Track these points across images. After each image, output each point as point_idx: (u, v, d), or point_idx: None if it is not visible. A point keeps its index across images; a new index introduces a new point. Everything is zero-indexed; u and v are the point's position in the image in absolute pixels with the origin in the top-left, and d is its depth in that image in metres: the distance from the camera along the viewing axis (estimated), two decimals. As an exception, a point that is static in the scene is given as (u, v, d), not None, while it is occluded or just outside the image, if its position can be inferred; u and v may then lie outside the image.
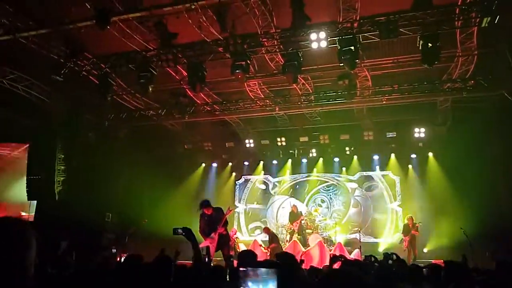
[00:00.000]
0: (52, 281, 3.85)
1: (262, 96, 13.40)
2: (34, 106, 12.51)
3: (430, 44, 8.97)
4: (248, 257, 3.99)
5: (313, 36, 9.38)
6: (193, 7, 8.98)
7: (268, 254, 12.02)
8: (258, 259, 4.87)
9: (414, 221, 12.72)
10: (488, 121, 12.21)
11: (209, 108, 13.98)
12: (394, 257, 6.10)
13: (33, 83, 12.30)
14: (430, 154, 15.03)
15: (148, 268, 3.48)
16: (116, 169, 14.04)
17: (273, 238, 12.50)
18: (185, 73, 11.64)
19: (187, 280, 3.60)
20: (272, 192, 17.16)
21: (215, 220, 8.97)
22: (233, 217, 16.28)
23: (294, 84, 11.97)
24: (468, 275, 4.17)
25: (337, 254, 9.86)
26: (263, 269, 2.33)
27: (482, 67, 11.15)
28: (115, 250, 12.28)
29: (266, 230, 13.01)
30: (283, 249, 11.77)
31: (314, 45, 9.47)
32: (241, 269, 2.23)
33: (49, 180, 12.74)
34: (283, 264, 3.12)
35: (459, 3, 8.85)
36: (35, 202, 12.98)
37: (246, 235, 16.65)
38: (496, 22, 8.42)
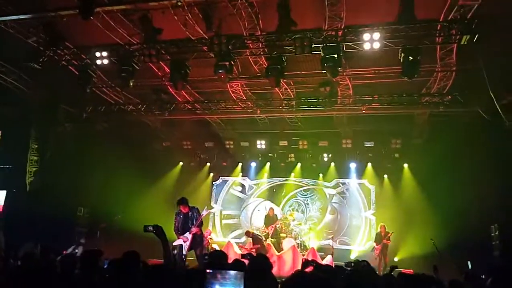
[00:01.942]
0: (14, 273, 3.73)
1: (244, 98, 13.38)
2: (10, 93, 12.15)
3: (411, 58, 9.12)
4: (219, 258, 3.94)
5: (297, 41, 9.41)
6: (179, 3, 8.89)
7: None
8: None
9: (386, 230, 12.89)
10: (463, 136, 12.48)
11: (190, 107, 13.87)
12: (365, 263, 6.14)
13: (9, 70, 11.93)
14: (405, 165, 15.28)
15: (115, 264, 3.39)
16: (91, 163, 13.77)
17: (255, 239, 12.59)
18: (167, 70, 11.52)
19: (153, 279, 3.53)
20: (248, 194, 17.14)
21: (191, 219, 8.94)
22: (208, 217, 16.18)
23: (276, 88, 11.98)
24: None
25: (310, 259, 9.90)
26: (231, 272, 2.28)
27: (459, 84, 11.41)
28: (83, 241, 12.02)
29: (248, 233, 13.11)
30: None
31: (298, 51, 9.50)
32: (208, 271, 2.17)
33: (21, 170, 12.37)
34: (253, 266, 3.09)
35: (441, 20, 9.04)
36: (4, 192, 12.58)
37: (220, 236, 16.56)
38: (475, 40, 8.64)
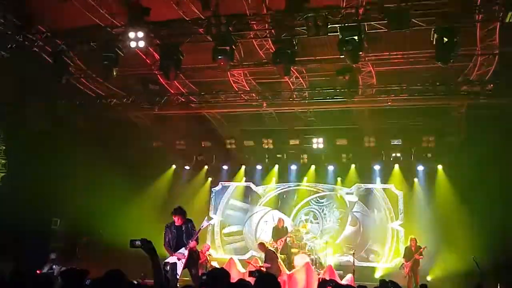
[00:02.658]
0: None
1: (248, 89, 13.38)
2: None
3: (446, 39, 9.04)
4: (219, 277, 3.95)
5: (311, 21, 9.37)
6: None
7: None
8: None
9: (417, 244, 12.83)
10: (508, 133, 12.40)
11: (184, 100, 13.87)
12: (390, 285, 6.10)
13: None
14: (440, 167, 15.24)
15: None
16: (69, 167, 13.80)
17: (268, 256, 12.12)
18: (157, 57, 11.53)
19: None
20: (253, 202, 17.18)
21: (186, 233, 8.94)
22: (206, 230, 16.21)
23: (286, 77, 11.97)
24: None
25: (327, 278, 9.89)
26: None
27: (503, 69, 11.31)
28: (55, 267, 12.04)
29: (261, 247, 12.54)
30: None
31: (312, 32, 9.46)
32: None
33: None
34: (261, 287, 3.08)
35: (481, -7, 8.98)
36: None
37: (221, 252, 16.60)
38: (522, 17, 8.56)
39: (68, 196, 13.87)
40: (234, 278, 5.31)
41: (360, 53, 9.70)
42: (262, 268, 11.89)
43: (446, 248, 13.66)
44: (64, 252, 13.23)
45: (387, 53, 11.43)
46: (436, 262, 13.92)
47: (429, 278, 13.75)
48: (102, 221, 14.03)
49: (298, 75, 12.66)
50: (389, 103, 12.74)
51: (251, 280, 5.26)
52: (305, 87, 13.12)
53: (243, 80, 13.10)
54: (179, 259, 8.80)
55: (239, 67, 12.35)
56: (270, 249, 12.61)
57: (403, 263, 12.95)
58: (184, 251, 8.83)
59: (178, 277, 8.80)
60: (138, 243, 3.88)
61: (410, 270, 12.61)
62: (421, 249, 12.68)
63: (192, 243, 8.82)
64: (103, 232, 13.70)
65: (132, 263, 10.66)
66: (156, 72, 12.35)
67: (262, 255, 12.49)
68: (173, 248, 8.90)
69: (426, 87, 12.12)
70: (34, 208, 11.89)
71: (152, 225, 12.52)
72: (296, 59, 10.41)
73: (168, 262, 8.79)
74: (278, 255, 13.43)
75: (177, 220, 8.95)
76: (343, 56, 9.71)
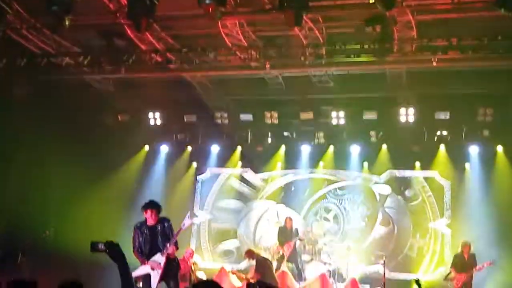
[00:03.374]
0: None
1: (246, 45, 13.33)
2: None
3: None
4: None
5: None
6: None
7: None
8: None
9: (471, 251, 12.92)
10: None
11: (159, 59, 13.78)
12: None
13: None
14: (500, 149, 15.27)
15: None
16: (7, 148, 13.86)
17: (260, 265, 12.60)
18: (124, 1, 11.48)
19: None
20: (252, 195, 17.30)
21: (162, 234, 9.04)
22: (189, 231, 16.33)
23: (296, 29, 11.89)
24: None
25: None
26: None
27: None
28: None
29: (250, 254, 13.03)
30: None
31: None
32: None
33: None
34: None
35: None
36: None
37: (209, 260, 16.74)
38: None
39: (6, 186, 13.95)
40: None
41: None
42: (252, 280, 12.16)
43: (509, 256, 13.75)
44: (2, 259, 13.35)
45: (432, -3, 11.40)
46: (494, 275, 13.96)
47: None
48: (51, 219, 14.13)
49: (312, 26, 12.58)
50: (434, 63, 12.68)
51: None
52: (321, 42, 13.04)
53: (239, 32, 13.00)
54: (153, 269, 8.91)
55: (233, 15, 12.22)
56: (261, 256, 13.09)
57: (450, 274, 13.04)
58: (159, 258, 8.93)
59: (152, 292, 8.94)
60: (101, 246, 3.93)
61: (462, 285, 12.72)
62: (487, 264, 12.71)
63: (170, 249, 8.91)
64: (52, 233, 13.81)
65: (90, 273, 10.83)
66: (122, 21, 12.28)
67: (253, 263, 12.80)
68: (146, 255, 9.00)
69: (483, 42, 12.08)
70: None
71: (117, 224, 12.64)
72: (310, 3, 10.35)
73: (140, 275, 8.90)
74: (286, 263, 13.63)
75: (149, 219, 9.02)
76: (373, 1, 9.64)
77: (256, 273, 12.39)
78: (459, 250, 13.27)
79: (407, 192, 16.29)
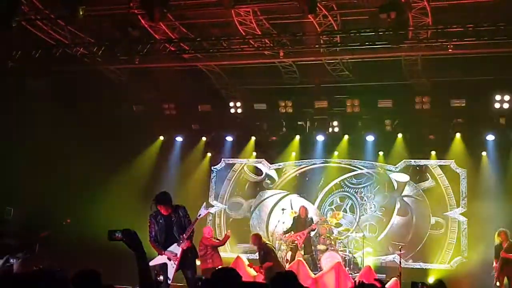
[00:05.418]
0: None
1: (259, 33, 13.31)
2: None
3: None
4: (227, 278, 3.98)
5: None
6: None
7: (263, 277, 12.20)
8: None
9: (510, 239, 12.60)
10: None
11: (173, 49, 13.84)
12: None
13: None
14: (517, 137, 15.13)
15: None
16: (24, 139, 13.92)
17: (266, 253, 12.63)
18: (137, -9, 11.47)
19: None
20: (267, 185, 17.33)
21: (177, 224, 9.04)
22: (205, 221, 16.37)
23: (310, 16, 11.83)
24: None
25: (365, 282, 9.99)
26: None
27: None
28: (13, 261, 12.30)
29: (255, 239, 13.07)
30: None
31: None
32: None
33: None
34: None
35: None
36: None
37: (225, 249, 16.72)
38: None
39: (24, 177, 14.02)
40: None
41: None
42: (261, 271, 12.22)
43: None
44: (20, 250, 13.45)
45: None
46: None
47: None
48: (68, 209, 14.21)
49: (326, 13, 12.51)
50: (450, 50, 12.57)
51: None
52: (336, 29, 13.00)
53: (253, 20, 12.99)
54: (169, 259, 8.92)
55: (247, 4, 12.22)
56: (267, 244, 13.19)
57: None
58: (176, 249, 8.94)
59: (169, 282, 8.93)
60: (118, 235, 3.89)
61: (499, 273, 12.51)
62: None
63: (185, 243, 8.91)
64: (68, 223, 13.91)
65: (108, 262, 10.88)
66: (136, 11, 12.29)
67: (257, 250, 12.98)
68: (162, 244, 9.01)
69: (500, 27, 11.92)
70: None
71: (133, 214, 12.66)
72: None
73: (157, 264, 8.92)
74: (299, 252, 13.64)
75: (163, 210, 9.01)
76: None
77: (268, 261, 12.43)
78: (497, 240, 12.86)
79: (423, 182, 16.21)
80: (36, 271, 4.49)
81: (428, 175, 16.23)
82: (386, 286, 11.87)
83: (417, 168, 16.33)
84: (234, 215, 17.42)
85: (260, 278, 12.18)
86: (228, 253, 16.33)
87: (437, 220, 15.86)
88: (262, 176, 17.43)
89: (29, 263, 12.55)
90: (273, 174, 17.36)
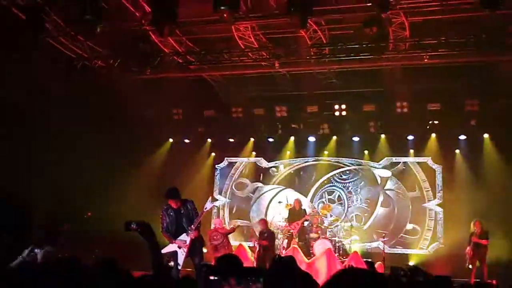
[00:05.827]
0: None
1: (257, 46, 13.31)
2: None
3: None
4: (230, 264, 4.02)
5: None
6: None
7: (255, 254, 12.66)
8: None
9: (483, 228, 12.60)
10: None
11: (181, 61, 13.88)
12: (400, 272, 6.10)
13: None
14: (486, 136, 15.19)
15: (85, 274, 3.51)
16: (47, 142, 13.93)
17: (269, 235, 13.23)
18: (148, 9, 11.48)
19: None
20: (265, 181, 17.35)
21: (186, 216, 9.09)
22: (210, 214, 16.40)
23: (302, 31, 11.89)
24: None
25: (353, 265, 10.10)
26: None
27: None
28: (38, 251, 12.32)
29: (264, 223, 13.71)
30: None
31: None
32: (211, 278, 2.25)
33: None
34: (277, 272, 3.16)
35: None
36: None
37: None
38: None
39: (47, 174, 14.04)
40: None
41: (391, -1, 9.60)
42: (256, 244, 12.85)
43: (497, 234, 13.55)
44: (46, 241, 13.45)
45: (423, 0, 11.25)
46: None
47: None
48: (88, 204, 14.25)
49: (316, 28, 12.55)
50: (426, 60, 12.60)
51: None
52: (325, 42, 13.02)
53: (251, 35, 12.99)
54: (179, 247, 8.98)
55: (246, 20, 12.22)
56: (271, 230, 13.70)
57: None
58: (185, 238, 9.00)
59: (179, 267, 8.99)
60: (134, 226, 3.95)
61: (471, 257, 12.50)
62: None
63: (193, 233, 8.98)
64: (89, 217, 13.99)
65: (124, 251, 10.93)
66: (147, 27, 12.32)
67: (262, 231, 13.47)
68: (172, 234, 9.07)
69: (470, 40, 11.97)
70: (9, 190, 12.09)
71: (146, 208, 12.69)
72: (314, 8, 10.33)
73: (168, 252, 8.98)
74: (294, 240, 13.73)
75: (173, 203, 9.08)
76: (370, 4, 9.60)
77: (266, 240, 12.96)
78: (472, 228, 12.83)
79: (403, 176, 16.26)
80: (58, 260, 4.58)
81: (408, 170, 16.26)
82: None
83: (397, 164, 16.35)
84: (236, 207, 17.43)
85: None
86: (232, 241, 16.38)
87: (417, 211, 15.89)
88: (261, 173, 17.46)
89: (52, 254, 12.60)
90: (271, 170, 17.39)
